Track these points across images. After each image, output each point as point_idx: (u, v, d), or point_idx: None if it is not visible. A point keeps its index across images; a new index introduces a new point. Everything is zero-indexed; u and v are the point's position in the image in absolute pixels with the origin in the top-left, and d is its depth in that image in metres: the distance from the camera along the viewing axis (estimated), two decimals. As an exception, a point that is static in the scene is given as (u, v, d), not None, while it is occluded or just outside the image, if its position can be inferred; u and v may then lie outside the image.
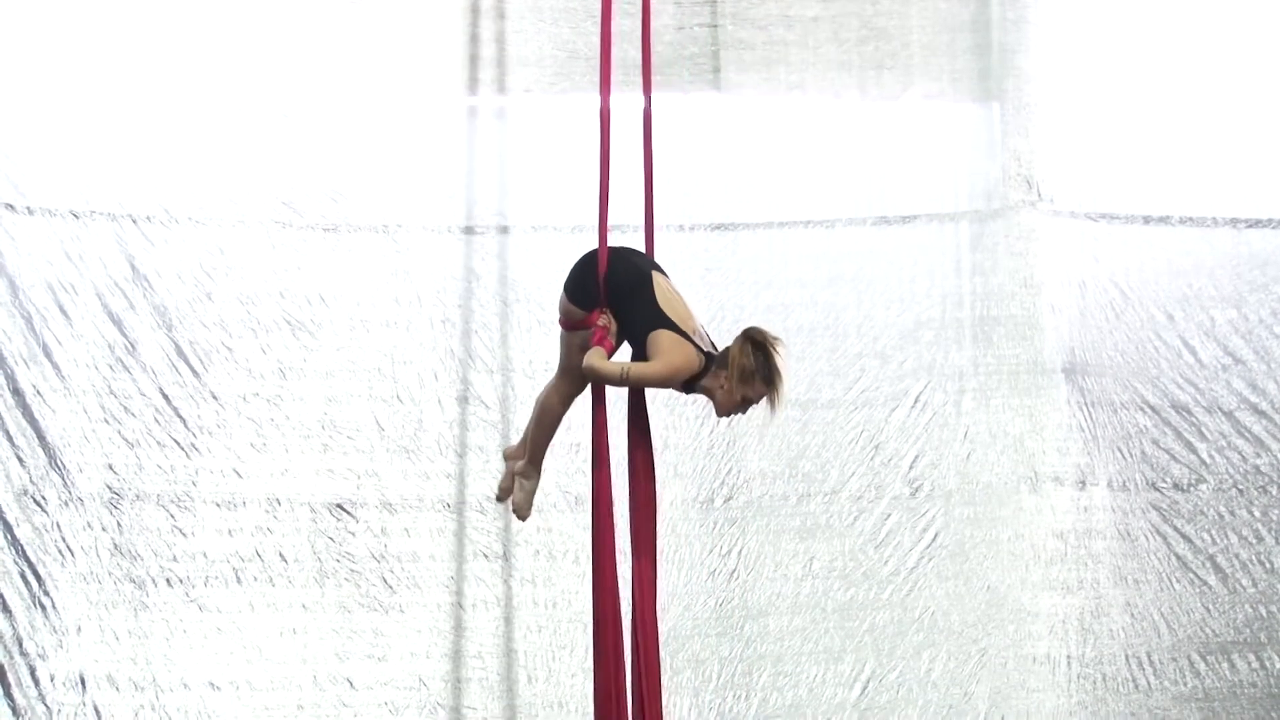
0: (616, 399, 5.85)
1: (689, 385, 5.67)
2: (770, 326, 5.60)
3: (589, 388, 5.82)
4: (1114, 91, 8.76)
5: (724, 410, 5.63)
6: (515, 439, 8.27)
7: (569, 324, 5.75)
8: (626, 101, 8.74)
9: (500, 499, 6.10)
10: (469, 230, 8.44)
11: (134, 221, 8.15)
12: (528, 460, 5.97)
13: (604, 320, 5.61)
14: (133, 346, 8.07)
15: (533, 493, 5.94)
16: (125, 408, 8.04)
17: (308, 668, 7.99)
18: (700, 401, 8.53)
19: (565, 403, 5.83)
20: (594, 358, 5.55)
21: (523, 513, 5.97)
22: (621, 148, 8.21)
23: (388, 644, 8.03)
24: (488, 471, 8.25)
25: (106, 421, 8.02)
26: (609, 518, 5.55)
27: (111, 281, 8.11)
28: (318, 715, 7.99)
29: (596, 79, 8.35)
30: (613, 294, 5.58)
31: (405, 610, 8.04)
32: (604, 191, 5.54)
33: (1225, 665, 8.35)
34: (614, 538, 5.51)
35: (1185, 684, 8.30)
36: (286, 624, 8.02)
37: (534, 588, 8.20)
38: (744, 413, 5.62)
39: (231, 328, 8.15)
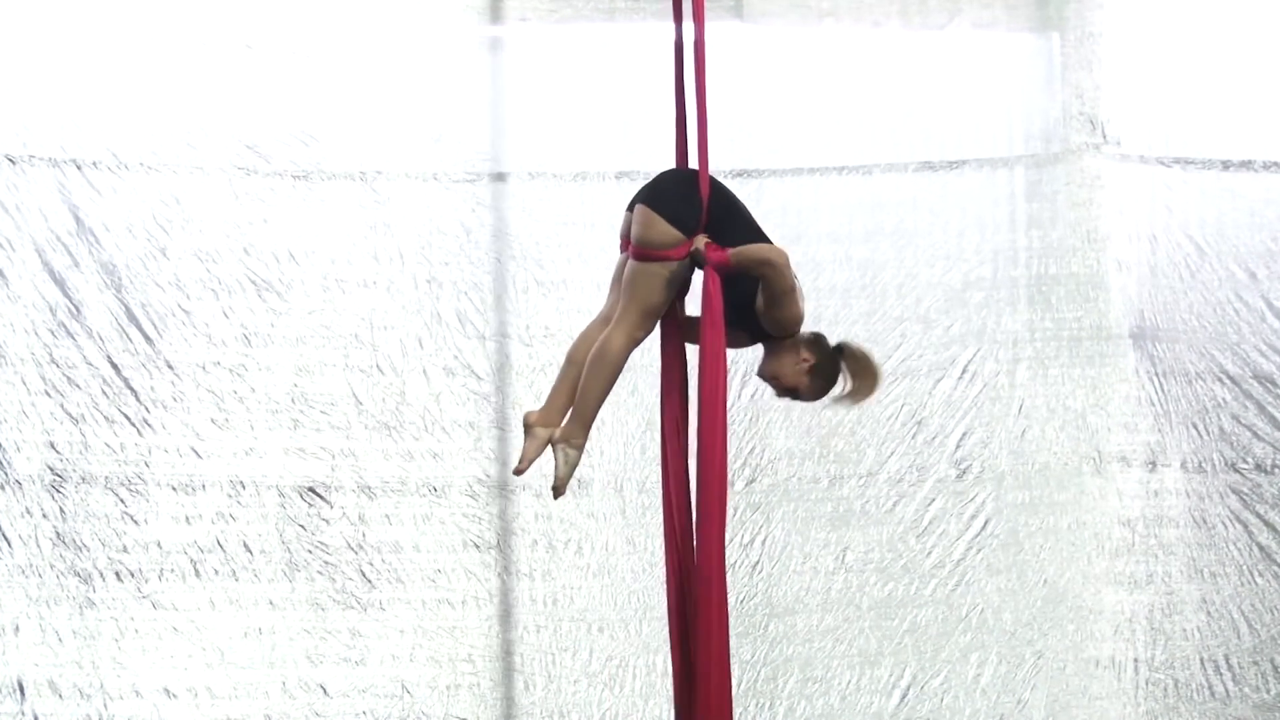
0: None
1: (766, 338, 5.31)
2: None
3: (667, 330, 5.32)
4: (1190, 18, 8.27)
5: (788, 380, 5.32)
6: (512, 413, 7.71)
7: (649, 253, 5.17)
8: (647, 31, 7.98)
9: (519, 472, 5.45)
10: (458, 178, 7.99)
11: (78, 167, 7.73)
12: (574, 422, 5.31)
13: (702, 242, 5.13)
14: (77, 309, 7.67)
15: (576, 464, 5.37)
16: (69, 378, 7.64)
17: (276, 672, 7.63)
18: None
19: (631, 348, 5.27)
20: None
21: (562, 488, 5.38)
22: (640, 82, 7.56)
23: (366, 645, 7.66)
24: (478, 451, 7.85)
25: (48, 394, 7.62)
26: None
27: (53, 235, 7.69)
28: (287, 726, 7.66)
29: (600, 6, 7.97)
30: (713, 221, 5.18)
31: (386, 607, 7.69)
32: (702, 112, 5.16)
33: (1314, 670, 8.04)
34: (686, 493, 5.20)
35: (1268, 691, 7.92)
36: (251, 623, 7.63)
37: (531, 582, 7.82)
38: (784, 392, 5.36)
39: (189, 288, 7.74)
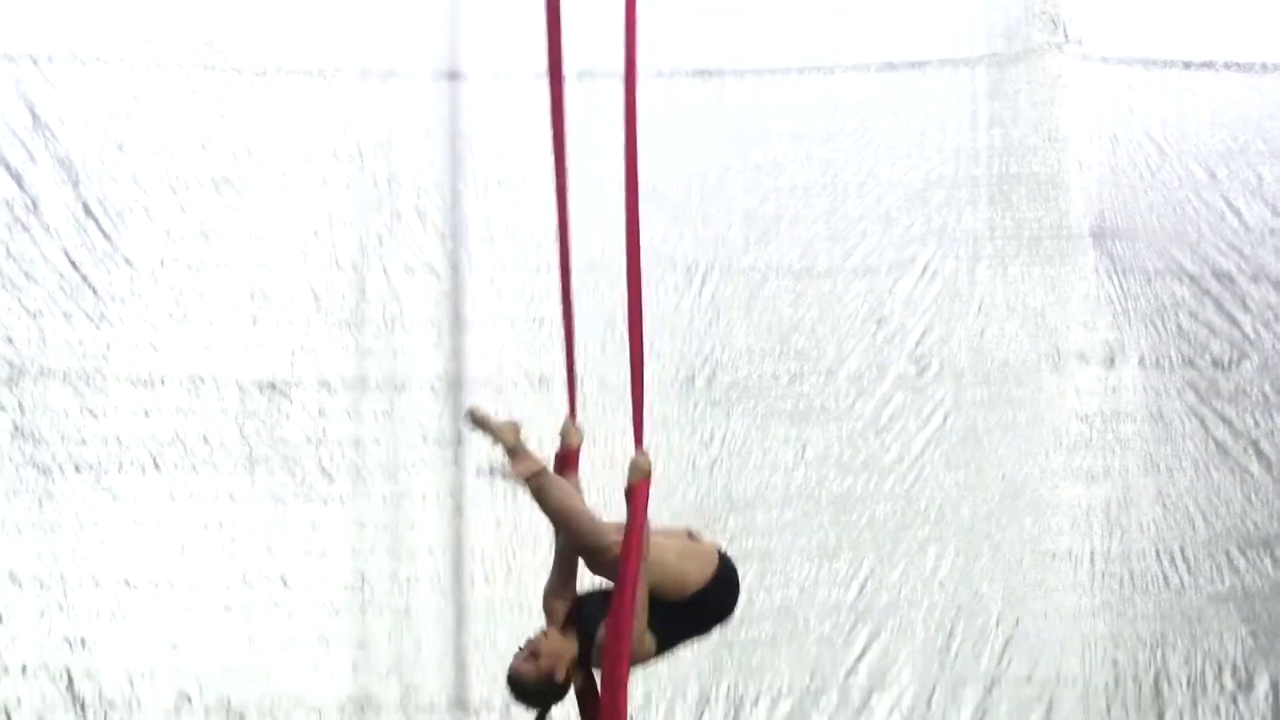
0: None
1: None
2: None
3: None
4: (1152, -82, 8.20)
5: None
6: (470, 311, 7.65)
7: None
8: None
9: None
10: (417, 76, 7.86)
11: (34, 62, 7.61)
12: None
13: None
14: (33, 204, 7.55)
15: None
16: (26, 273, 7.52)
17: (235, 564, 7.51)
18: (679, 269, 7.90)
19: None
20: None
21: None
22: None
23: (325, 538, 7.56)
24: (439, 349, 7.75)
25: (5, 289, 7.51)
26: None
27: (9, 130, 7.56)
28: (247, 617, 7.49)
29: (562, -101, 7.87)
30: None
31: (345, 501, 7.58)
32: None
33: (1267, 561, 7.88)
34: None
35: (1223, 582, 7.85)
36: (211, 516, 7.52)
37: (490, 478, 7.53)
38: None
39: (146, 183, 7.61)
